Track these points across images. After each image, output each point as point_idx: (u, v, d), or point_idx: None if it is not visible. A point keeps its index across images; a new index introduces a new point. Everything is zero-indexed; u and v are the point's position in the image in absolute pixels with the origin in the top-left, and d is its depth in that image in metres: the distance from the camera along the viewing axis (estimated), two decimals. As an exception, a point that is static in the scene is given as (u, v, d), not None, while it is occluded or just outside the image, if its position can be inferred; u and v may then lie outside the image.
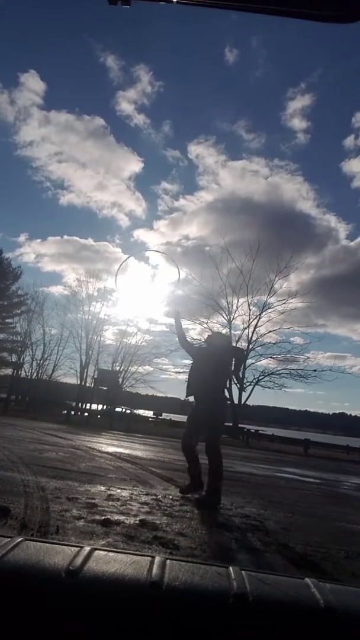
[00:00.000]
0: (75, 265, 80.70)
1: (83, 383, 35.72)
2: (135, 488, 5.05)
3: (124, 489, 4.92)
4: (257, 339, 30.16)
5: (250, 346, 29.91)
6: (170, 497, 4.83)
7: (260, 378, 29.52)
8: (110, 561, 0.58)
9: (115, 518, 3.54)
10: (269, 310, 30.18)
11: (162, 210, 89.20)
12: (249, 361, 29.86)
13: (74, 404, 33.25)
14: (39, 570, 0.54)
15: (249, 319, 30.23)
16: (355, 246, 79.22)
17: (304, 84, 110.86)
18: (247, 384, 29.06)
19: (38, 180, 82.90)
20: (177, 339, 5.76)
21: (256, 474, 8.92)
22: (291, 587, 0.57)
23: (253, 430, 28.41)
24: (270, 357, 30.31)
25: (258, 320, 29.99)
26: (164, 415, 34.78)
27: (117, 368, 35.80)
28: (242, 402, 29.63)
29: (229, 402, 5.31)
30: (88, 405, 35.30)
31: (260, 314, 30.02)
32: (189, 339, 6.15)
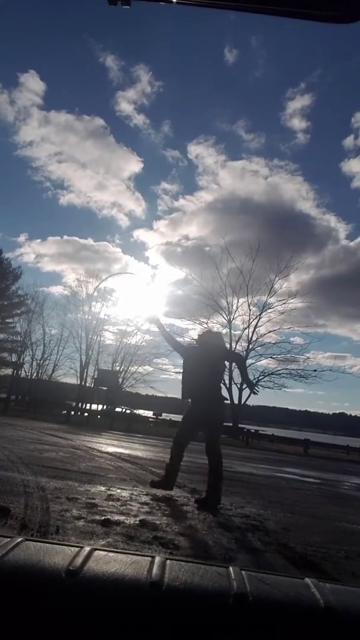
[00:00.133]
0: (75, 265, 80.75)
1: (83, 383, 35.73)
2: (135, 488, 5.04)
3: (124, 489, 4.92)
4: (257, 339, 30.23)
5: (250, 346, 29.97)
6: (171, 497, 4.83)
7: (260, 378, 29.54)
8: (110, 561, 0.58)
9: (115, 518, 3.54)
10: (269, 311, 30.26)
11: (161, 211, 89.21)
12: (249, 361, 29.88)
13: (74, 404, 33.24)
14: (39, 570, 0.54)
15: (249, 319, 30.30)
16: (355, 246, 79.24)
17: (304, 84, 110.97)
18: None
19: (38, 180, 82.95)
20: (166, 342, 5.70)
21: (256, 474, 8.92)
22: (291, 587, 0.57)
23: (253, 430, 28.40)
24: (270, 357, 30.38)
25: (258, 321, 30.05)
26: (164, 415, 34.76)
27: (117, 368, 35.82)
28: (242, 402, 29.65)
29: (226, 401, 5.24)
30: (88, 405, 35.30)
31: (260, 314, 30.08)
32: (179, 339, 6.01)
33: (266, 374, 29.88)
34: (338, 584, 0.60)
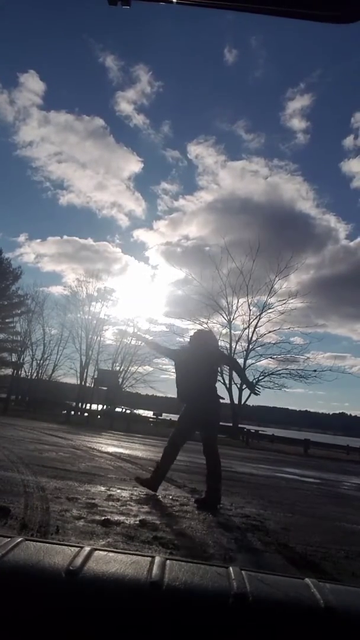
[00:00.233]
0: (75, 265, 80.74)
1: (83, 383, 35.74)
2: (135, 488, 5.04)
3: (124, 489, 4.92)
4: (257, 339, 30.22)
5: (250, 346, 29.97)
6: (170, 497, 4.83)
7: (260, 378, 29.54)
8: (110, 561, 0.57)
9: (115, 518, 3.54)
10: (269, 311, 30.25)
11: (161, 211, 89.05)
12: (249, 361, 29.92)
13: (74, 404, 33.26)
14: (39, 570, 0.54)
15: (249, 319, 30.30)
16: (355, 246, 79.10)
17: (304, 84, 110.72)
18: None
19: (38, 180, 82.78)
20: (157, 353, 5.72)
21: (256, 474, 8.92)
22: (291, 587, 0.57)
23: (253, 431, 28.39)
24: (270, 357, 30.37)
25: (258, 321, 30.05)
26: (164, 415, 34.76)
27: (117, 368, 35.84)
28: (242, 402, 29.65)
29: (223, 400, 5.20)
30: (88, 405, 35.31)
31: (260, 314, 30.08)
32: (170, 347, 5.93)
33: (266, 374, 29.91)
34: (338, 584, 0.60)
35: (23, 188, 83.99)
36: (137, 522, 3.53)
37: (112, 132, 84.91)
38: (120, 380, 35.16)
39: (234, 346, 29.99)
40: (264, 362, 31.80)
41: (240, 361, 29.93)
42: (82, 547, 0.60)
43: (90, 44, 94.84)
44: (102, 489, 4.76)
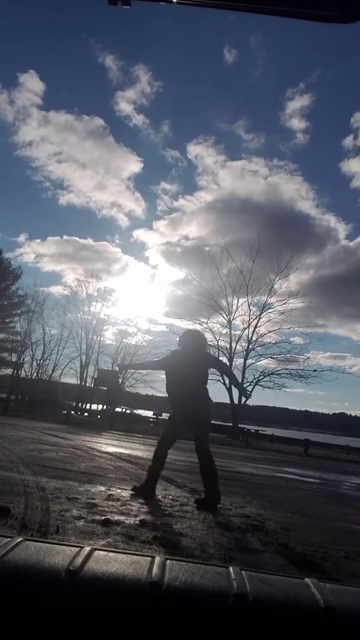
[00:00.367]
0: (75, 265, 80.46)
1: (83, 383, 35.73)
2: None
3: (124, 489, 4.92)
4: (257, 339, 30.19)
5: (250, 346, 29.95)
6: (170, 497, 4.83)
7: (260, 378, 29.55)
8: (110, 561, 0.57)
9: (115, 518, 3.54)
10: (269, 311, 30.22)
11: (161, 211, 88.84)
12: (249, 361, 29.93)
13: (74, 404, 33.24)
14: (39, 570, 0.54)
15: (249, 319, 30.27)
16: (355, 246, 78.90)
17: (303, 84, 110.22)
18: (247, 384, 29.05)
19: (37, 180, 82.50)
20: (144, 372, 5.64)
21: (256, 474, 8.92)
22: (291, 587, 0.57)
23: (253, 431, 28.39)
24: (270, 357, 30.33)
25: (258, 321, 30.02)
26: (164, 415, 34.73)
27: (117, 368, 35.82)
28: (242, 402, 29.64)
29: (211, 402, 5.14)
30: (88, 405, 35.30)
31: (260, 314, 30.06)
32: (152, 360, 5.88)
33: (266, 374, 29.88)
34: (338, 584, 0.60)
35: (23, 188, 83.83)
36: (137, 522, 3.53)
37: (111, 132, 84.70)
38: (120, 380, 35.14)
39: (234, 346, 30.02)
40: (264, 362, 31.76)
41: (241, 361, 30.02)
42: (82, 547, 0.60)
43: (90, 44, 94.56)
44: (102, 488, 4.76)
